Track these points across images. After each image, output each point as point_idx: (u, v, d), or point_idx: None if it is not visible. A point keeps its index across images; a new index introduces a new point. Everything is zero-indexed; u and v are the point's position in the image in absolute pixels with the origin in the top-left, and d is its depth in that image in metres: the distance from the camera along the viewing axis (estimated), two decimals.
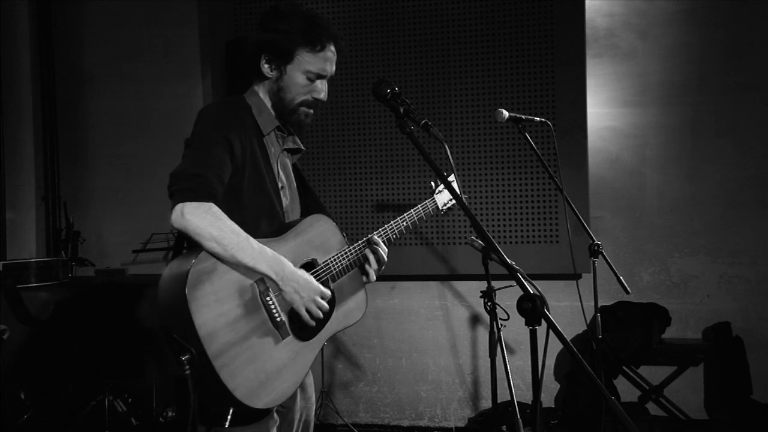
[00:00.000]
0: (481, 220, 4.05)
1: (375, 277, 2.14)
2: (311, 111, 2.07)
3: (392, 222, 2.22)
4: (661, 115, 4.07)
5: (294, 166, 2.23)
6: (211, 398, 1.77)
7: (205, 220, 1.78)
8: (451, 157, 1.99)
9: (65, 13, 4.67)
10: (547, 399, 4.17)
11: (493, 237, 4.04)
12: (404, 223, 2.24)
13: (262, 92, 2.07)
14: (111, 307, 3.31)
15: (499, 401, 3.35)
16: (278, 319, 1.89)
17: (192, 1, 4.48)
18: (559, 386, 4.16)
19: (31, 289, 3.30)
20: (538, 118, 2.89)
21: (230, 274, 1.83)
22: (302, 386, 2.23)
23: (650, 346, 3.80)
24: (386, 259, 2.15)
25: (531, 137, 2.85)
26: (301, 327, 1.96)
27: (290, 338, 1.93)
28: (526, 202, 4.05)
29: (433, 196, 2.40)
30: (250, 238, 1.84)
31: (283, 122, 2.10)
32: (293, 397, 2.18)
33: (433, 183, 2.42)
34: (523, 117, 2.81)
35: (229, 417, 2.07)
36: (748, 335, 3.91)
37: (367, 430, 4.27)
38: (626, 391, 4.03)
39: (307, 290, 1.91)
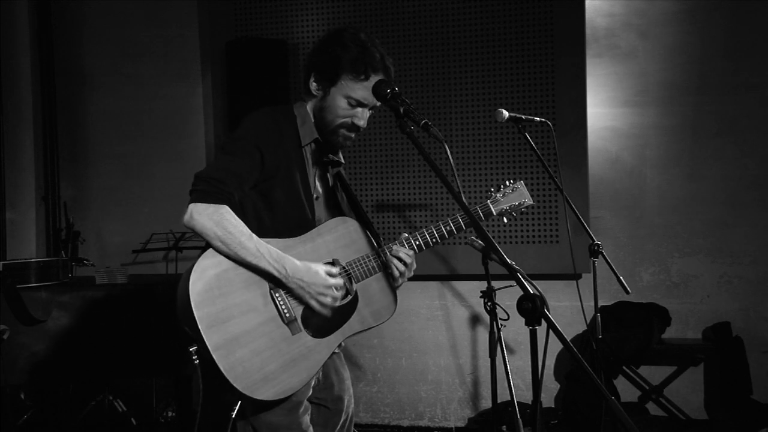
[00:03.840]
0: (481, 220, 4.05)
1: (401, 282, 2.19)
2: (352, 135, 2.12)
3: (433, 225, 2.17)
4: (661, 115, 4.06)
5: (341, 179, 2.26)
6: (221, 388, 1.87)
7: (211, 220, 1.89)
8: (451, 157, 1.98)
9: (65, 13, 4.67)
10: (547, 399, 4.17)
11: (493, 237, 4.04)
12: (447, 228, 2.18)
13: (309, 107, 2.15)
14: (111, 306, 3.31)
15: (499, 401, 3.35)
16: (287, 314, 1.95)
17: (192, 1, 4.48)
18: (559, 386, 4.16)
19: (31, 289, 3.29)
20: (538, 118, 2.89)
21: (238, 270, 1.92)
22: (339, 377, 2.30)
23: (650, 346, 3.80)
24: (414, 264, 2.16)
25: (531, 137, 2.84)
26: (318, 324, 2.01)
27: (302, 334, 1.98)
28: None
29: (486, 201, 2.29)
30: (255, 237, 1.91)
31: (324, 139, 2.14)
32: (336, 386, 2.25)
33: (492, 189, 2.32)
34: (523, 117, 2.81)
35: (236, 408, 2.14)
36: (748, 335, 3.91)
37: (367, 430, 4.27)
38: (626, 391, 4.02)
39: (314, 284, 1.96)
